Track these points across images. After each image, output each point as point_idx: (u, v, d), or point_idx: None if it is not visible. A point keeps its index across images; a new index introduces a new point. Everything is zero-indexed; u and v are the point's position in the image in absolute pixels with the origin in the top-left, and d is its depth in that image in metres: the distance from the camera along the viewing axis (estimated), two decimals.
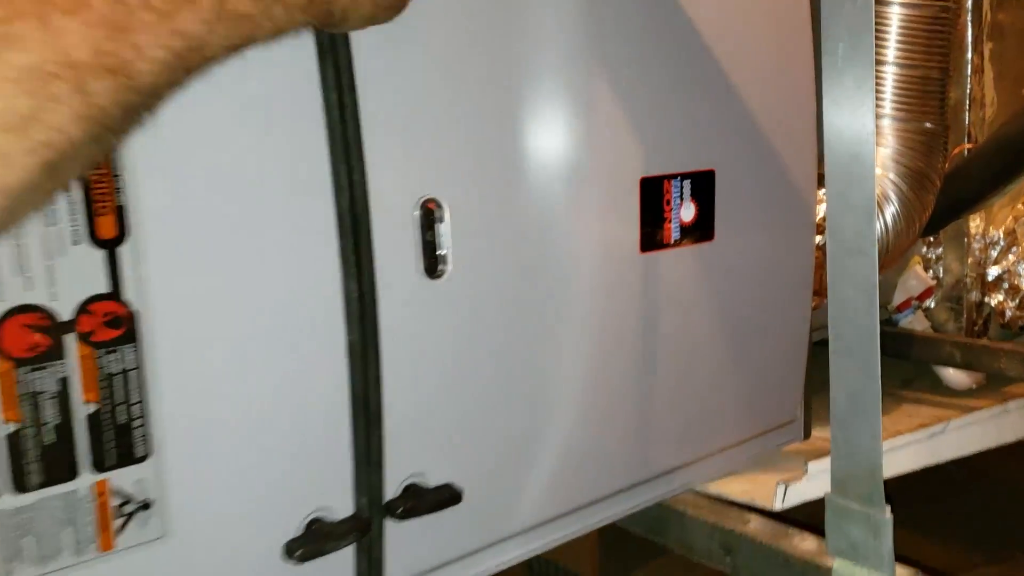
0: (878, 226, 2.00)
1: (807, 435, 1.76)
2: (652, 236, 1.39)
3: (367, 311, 1.12)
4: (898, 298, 2.48)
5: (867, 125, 1.17)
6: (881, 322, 2.47)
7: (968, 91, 2.46)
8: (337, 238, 1.09)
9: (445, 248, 1.19)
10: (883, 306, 2.47)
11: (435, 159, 1.18)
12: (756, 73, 1.50)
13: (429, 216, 1.17)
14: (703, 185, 1.45)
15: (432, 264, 1.18)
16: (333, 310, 1.11)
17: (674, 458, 1.57)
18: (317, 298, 1.10)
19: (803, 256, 1.63)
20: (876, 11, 1.91)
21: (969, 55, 2.45)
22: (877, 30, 1.95)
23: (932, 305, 2.54)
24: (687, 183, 1.42)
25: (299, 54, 1.05)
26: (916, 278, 2.49)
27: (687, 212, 1.43)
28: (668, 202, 1.40)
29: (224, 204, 1.01)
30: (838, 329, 1.27)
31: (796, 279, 1.64)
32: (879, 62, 1.97)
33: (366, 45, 1.08)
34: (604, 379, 1.40)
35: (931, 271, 2.55)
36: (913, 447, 1.80)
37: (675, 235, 1.42)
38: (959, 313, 2.54)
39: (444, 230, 1.19)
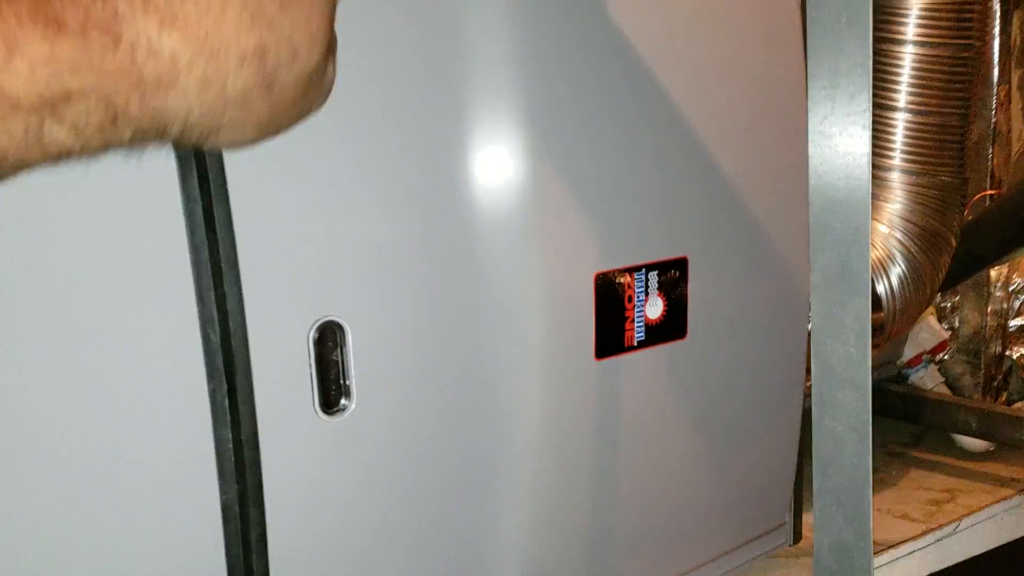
0: (882, 288, 1.79)
1: (797, 539, 1.55)
2: (610, 340, 1.19)
3: (246, 463, 0.92)
4: (908, 353, 2.27)
5: (861, 167, 0.97)
6: (890, 379, 2.29)
7: (992, 126, 2.24)
8: (224, 402, 0.90)
9: (349, 378, 0.99)
10: (892, 361, 2.26)
11: (332, 271, 0.97)
12: (739, 136, 1.29)
13: (327, 341, 0.97)
14: (674, 275, 1.24)
15: (331, 398, 0.98)
16: (204, 464, 0.91)
17: None
18: (182, 452, 0.90)
19: (793, 346, 1.42)
20: (887, 51, 1.70)
21: (995, 87, 2.23)
22: (888, 72, 1.74)
23: (947, 357, 2.33)
24: (653, 275, 1.22)
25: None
26: (929, 330, 2.28)
27: (654, 309, 1.23)
28: (630, 299, 1.20)
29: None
30: (824, 471, 1.07)
31: (785, 373, 1.43)
32: (889, 107, 1.76)
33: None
34: (556, 512, 1.20)
35: (946, 322, 2.34)
36: (919, 554, 1.59)
37: (639, 336, 1.22)
38: (976, 367, 2.33)
39: (347, 356, 0.98)
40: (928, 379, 2.28)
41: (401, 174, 1.01)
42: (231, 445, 0.92)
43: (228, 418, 0.91)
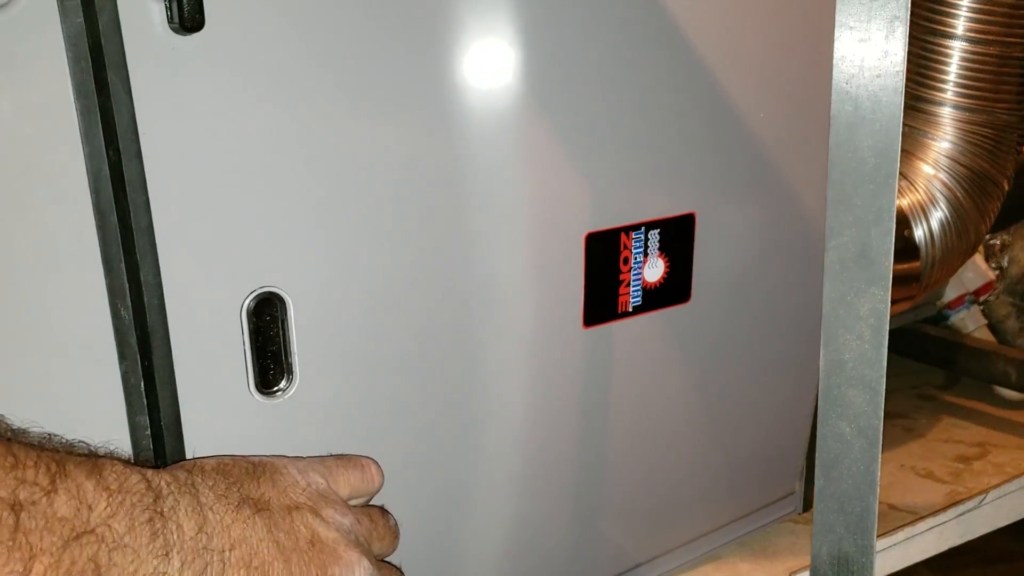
0: (921, 233, 1.65)
1: (807, 507, 1.45)
2: (601, 306, 1.06)
3: (167, 452, 0.82)
4: (950, 293, 2.12)
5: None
6: (927, 319, 2.15)
7: None
8: (120, 372, 0.79)
9: (291, 355, 0.88)
10: (931, 301, 2.12)
11: (271, 234, 0.85)
12: (754, 75, 1.14)
13: (264, 314, 0.86)
14: (678, 233, 1.11)
15: (269, 377, 0.87)
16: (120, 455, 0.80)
17: (645, 550, 1.27)
18: (95, 440, 0.80)
19: (810, 310, 1.29)
20: None
21: None
22: None
23: (992, 299, 2.18)
24: (655, 234, 1.09)
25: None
26: (974, 270, 2.12)
27: (653, 271, 1.10)
28: (626, 260, 1.07)
29: None
30: (826, 473, 0.96)
31: (800, 337, 1.30)
32: (944, 35, 1.59)
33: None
34: (541, 493, 1.10)
35: (993, 261, 2.18)
36: (937, 530, 1.48)
37: (635, 301, 1.09)
38: (1022, 310, 2.18)
39: (288, 331, 0.87)
40: (969, 321, 2.14)
41: (356, 112, 0.88)
42: (148, 432, 0.81)
43: (144, 402, 0.80)
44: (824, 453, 0.93)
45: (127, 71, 0.73)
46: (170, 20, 0.75)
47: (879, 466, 0.90)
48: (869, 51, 0.82)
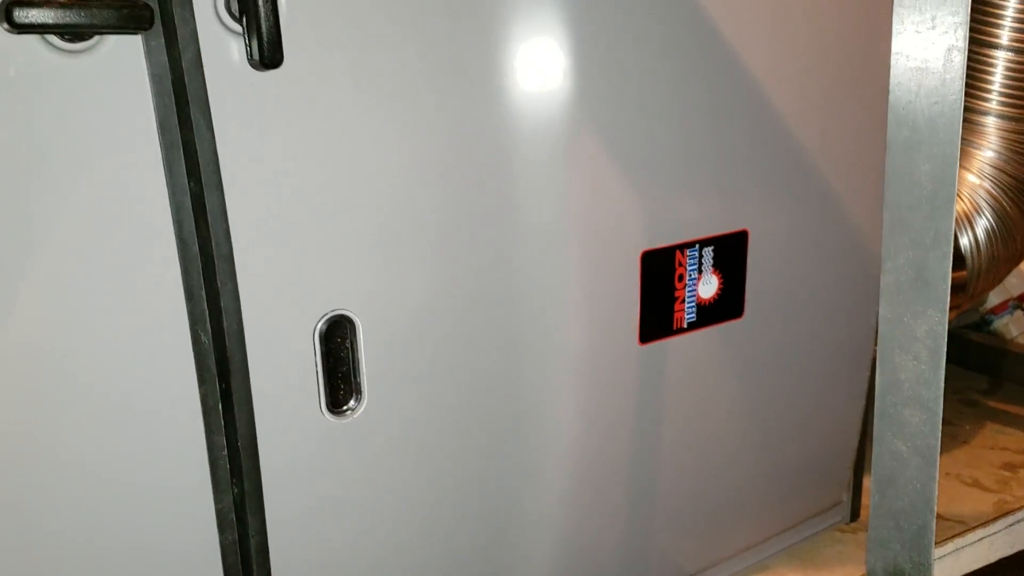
0: (966, 242, 1.65)
1: (854, 517, 1.46)
2: (656, 323, 1.08)
3: (243, 470, 0.84)
4: (994, 298, 2.13)
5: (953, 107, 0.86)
6: (970, 325, 2.16)
7: None
8: (199, 395, 0.82)
9: (359, 376, 0.90)
10: (975, 307, 2.12)
11: (343, 260, 0.88)
12: (807, 96, 1.15)
13: (335, 336, 0.88)
14: (732, 250, 1.13)
15: (339, 397, 0.90)
16: (196, 472, 0.83)
17: (696, 561, 1.29)
18: (175, 459, 0.83)
19: (860, 324, 1.31)
20: None
21: None
22: (988, 5, 1.58)
23: None
24: (708, 251, 1.10)
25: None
26: (1017, 275, 2.13)
27: (707, 287, 1.12)
28: (681, 278, 1.09)
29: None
30: (882, 490, 0.98)
31: (849, 351, 1.32)
32: (989, 45, 1.60)
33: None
34: (597, 497, 1.12)
35: None
36: (987, 541, 1.48)
37: (690, 317, 1.11)
38: None
39: (358, 352, 0.90)
40: (1013, 326, 2.14)
41: (422, 147, 0.90)
42: (225, 452, 0.84)
43: (222, 423, 0.83)
44: (880, 470, 0.94)
45: (209, 107, 0.76)
46: (250, 57, 0.77)
47: (936, 485, 0.92)
48: (927, 78, 0.83)
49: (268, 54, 0.76)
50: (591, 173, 0.99)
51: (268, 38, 0.75)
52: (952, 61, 0.82)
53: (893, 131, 0.85)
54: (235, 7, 0.77)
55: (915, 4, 0.83)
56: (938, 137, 0.83)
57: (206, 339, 0.81)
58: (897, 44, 0.84)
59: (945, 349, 0.88)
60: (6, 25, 0.69)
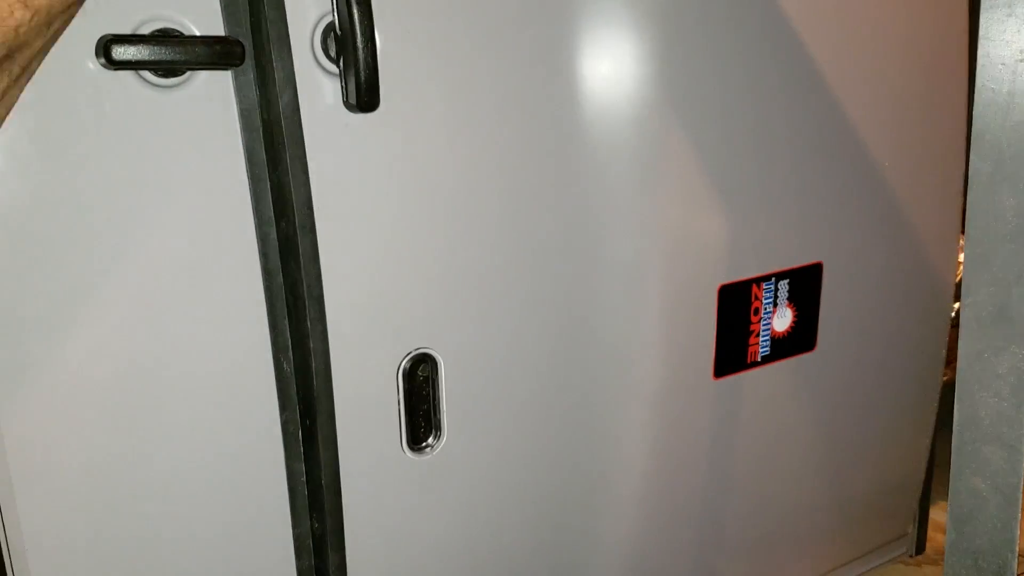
0: None
1: (920, 550, 1.45)
2: (731, 357, 1.08)
3: (324, 498, 0.85)
4: None
5: None
6: None
7: None
8: (280, 421, 0.82)
9: (440, 413, 0.90)
10: None
11: (426, 299, 0.88)
12: (881, 128, 1.14)
13: (417, 374, 0.88)
14: (806, 283, 1.12)
15: (420, 433, 0.90)
16: (278, 502, 0.84)
17: None
18: (262, 487, 0.83)
19: (929, 356, 1.30)
20: None
21: None
22: None
23: None
24: (784, 284, 1.10)
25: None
26: None
27: (781, 320, 1.11)
28: (756, 311, 1.08)
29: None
30: (959, 528, 0.96)
31: (918, 380, 1.31)
32: None
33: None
34: (666, 530, 1.12)
35: None
36: None
37: (764, 351, 1.11)
38: None
39: (439, 390, 0.90)
40: None
41: (508, 188, 0.90)
42: (303, 479, 0.85)
43: (301, 450, 0.83)
44: (957, 508, 0.92)
45: (304, 149, 0.76)
46: (345, 100, 0.78)
47: (1018, 524, 0.90)
48: (1012, 112, 0.82)
49: (365, 98, 0.76)
50: (672, 207, 0.99)
51: (366, 82, 0.76)
52: None
53: (976, 164, 0.83)
54: (332, 49, 0.78)
55: (1001, 37, 0.83)
56: (1023, 171, 0.82)
57: (287, 367, 0.82)
58: (982, 76, 0.83)
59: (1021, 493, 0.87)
60: (103, 60, 0.70)
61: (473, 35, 0.86)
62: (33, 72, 0.66)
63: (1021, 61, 0.82)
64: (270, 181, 0.78)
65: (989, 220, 0.85)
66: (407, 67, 0.81)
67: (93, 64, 0.70)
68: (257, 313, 0.81)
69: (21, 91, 0.66)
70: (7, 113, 0.64)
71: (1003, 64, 0.83)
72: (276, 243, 0.79)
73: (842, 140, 1.11)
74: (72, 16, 0.67)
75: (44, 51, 0.65)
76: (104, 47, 0.69)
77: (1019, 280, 0.85)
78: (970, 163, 0.84)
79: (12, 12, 0.58)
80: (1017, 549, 0.92)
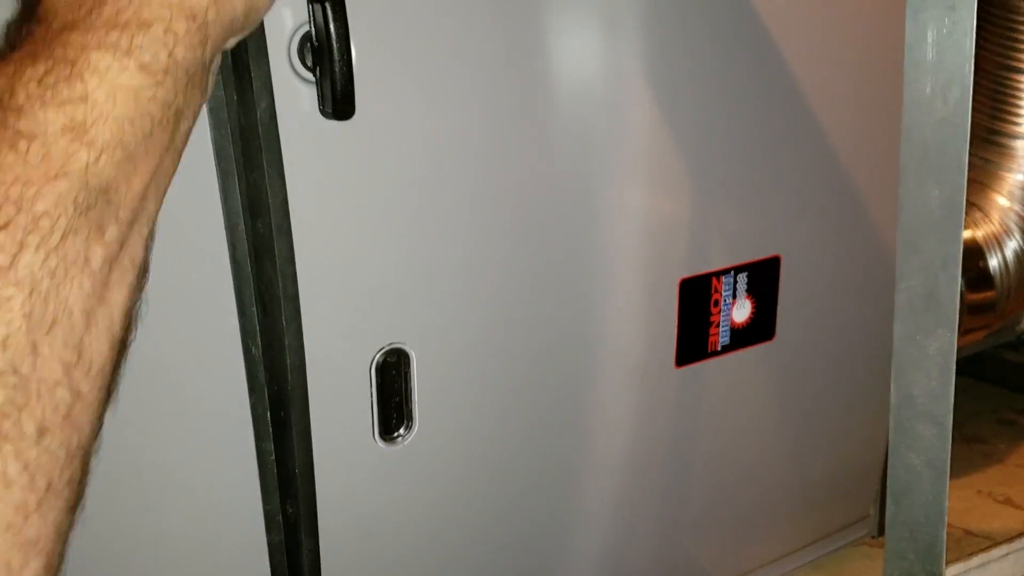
0: (995, 263, 1.69)
1: (882, 531, 1.50)
2: (692, 347, 1.13)
3: (301, 494, 0.90)
4: None
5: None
6: (1007, 344, 2.18)
7: None
8: (265, 414, 0.88)
9: (411, 404, 0.96)
10: (1011, 327, 2.15)
11: (400, 295, 0.94)
12: (842, 119, 1.20)
13: (391, 367, 0.94)
14: (765, 276, 1.17)
15: (391, 424, 0.95)
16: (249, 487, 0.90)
17: (721, 570, 1.34)
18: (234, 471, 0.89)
19: (884, 339, 1.35)
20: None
21: None
22: (1014, 32, 1.62)
23: None
24: (743, 277, 1.15)
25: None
26: None
27: (741, 311, 1.16)
28: (716, 303, 1.14)
29: None
30: (898, 502, 1.01)
31: (875, 365, 1.36)
32: (1018, 70, 1.64)
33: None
34: (632, 512, 1.18)
35: None
36: (1013, 556, 1.52)
37: (724, 340, 1.16)
38: None
39: (411, 382, 0.96)
40: None
41: (479, 191, 0.96)
42: (273, 457, 0.90)
43: (271, 432, 0.89)
44: (895, 483, 0.98)
45: (281, 156, 0.80)
46: (321, 107, 0.83)
47: (947, 497, 0.95)
48: (935, 107, 0.87)
49: (341, 106, 0.80)
50: (636, 203, 1.05)
51: (342, 91, 0.79)
52: (954, 93, 0.86)
53: (905, 157, 0.89)
54: (309, 58, 0.83)
55: (923, 40, 0.88)
56: (947, 164, 0.87)
57: (256, 352, 0.87)
58: (908, 76, 0.88)
59: (955, 366, 0.91)
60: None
61: (441, 40, 0.91)
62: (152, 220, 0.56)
63: (939, 63, 0.88)
64: (248, 183, 0.81)
65: (918, 210, 0.90)
66: (381, 72, 0.85)
67: None
68: (227, 305, 0.86)
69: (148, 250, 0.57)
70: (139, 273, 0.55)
71: (924, 64, 0.88)
72: (245, 239, 0.84)
73: (800, 136, 1.17)
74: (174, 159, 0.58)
75: (156, 196, 0.56)
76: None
77: (945, 266, 0.90)
78: (900, 157, 0.89)
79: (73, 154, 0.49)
80: (946, 521, 0.97)
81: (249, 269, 0.85)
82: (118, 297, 0.52)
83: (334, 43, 0.79)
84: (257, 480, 0.90)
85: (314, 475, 0.90)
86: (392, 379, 0.94)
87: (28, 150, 0.48)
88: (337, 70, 0.80)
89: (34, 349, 0.47)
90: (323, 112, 0.83)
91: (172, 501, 0.89)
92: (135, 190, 0.52)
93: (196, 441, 0.88)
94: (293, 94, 0.83)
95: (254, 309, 0.86)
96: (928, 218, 0.90)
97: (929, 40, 0.89)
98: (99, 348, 0.50)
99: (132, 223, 0.53)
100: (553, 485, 1.09)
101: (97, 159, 0.50)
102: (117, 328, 0.52)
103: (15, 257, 0.46)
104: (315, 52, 0.82)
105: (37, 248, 0.47)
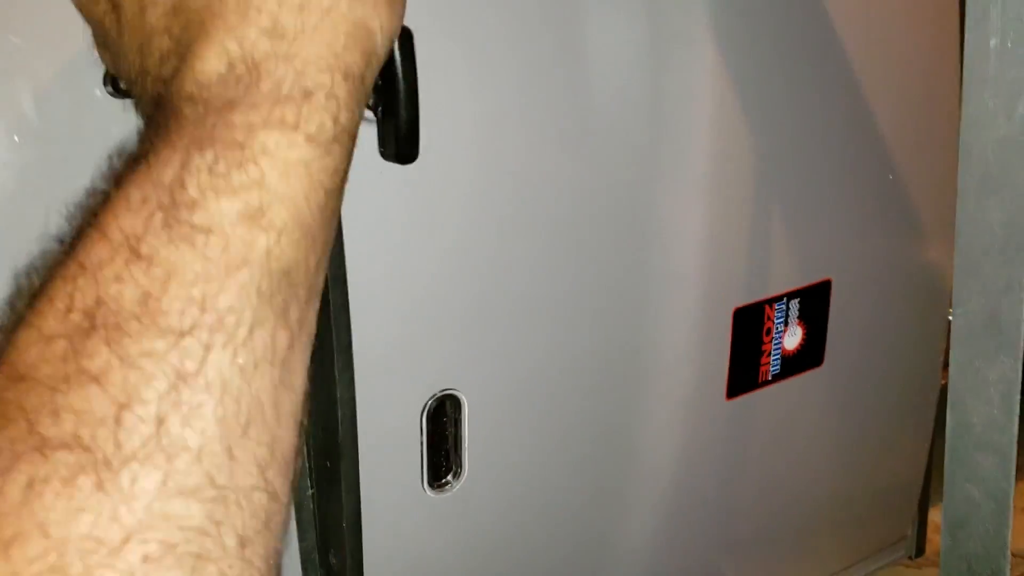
0: None
1: (919, 553, 1.49)
2: (743, 378, 1.10)
3: (348, 546, 0.87)
4: None
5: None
6: None
7: None
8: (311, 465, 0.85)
9: (461, 451, 0.93)
10: None
11: (452, 341, 0.90)
12: (889, 142, 1.16)
13: (443, 414, 0.91)
14: (816, 301, 1.14)
15: (440, 471, 0.93)
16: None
17: None
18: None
19: (927, 362, 1.34)
20: None
21: None
22: None
23: None
24: (795, 303, 1.12)
25: None
26: None
27: (792, 339, 1.13)
28: (768, 331, 1.11)
29: None
30: (953, 534, 0.97)
31: (917, 385, 1.34)
32: None
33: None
34: (680, 548, 1.15)
35: None
36: None
37: (774, 370, 1.13)
38: None
39: (461, 429, 0.92)
40: None
41: (525, 225, 0.92)
42: (309, 493, 0.86)
43: (334, 497, 0.85)
44: (951, 513, 0.94)
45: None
46: (382, 149, 0.79)
47: (1010, 530, 0.92)
48: (998, 124, 0.83)
49: (405, 149, 0.76)
50: (696, 230, 1.02)
51: (407, 134, 0.77)
52: (1018, 109, 0.83)
53: (964, 177, 0.86)
54: (371, 98, 0.80)
55: (984, 55, 0.85)
56: (1010, 184, 0.83)
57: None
58: (967, 93, 0.83)
59: (1018, 395, 0.87)
60: (110, 89, 0.68)
61: (499, 70, 0.87)
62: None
63: (1004, 80, 0.85)
64: None
65: (978, 232, 0.86)
66: (440, 114, 0.80)
67: (100, 92, 0.69)
68: None
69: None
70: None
71: (986, 77, 0.85)
72: None
73: (852, 154, 1.14)
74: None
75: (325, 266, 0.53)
76: (111, 78, 0.70)
77: (1007, 291, 0.87)
78: (959, 178, 0.85)
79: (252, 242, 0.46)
80: (1009, 553, 0.94)
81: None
82: (299, 380, 0.49)
83: (400, 83, 0.75)
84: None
85: (361, 527, 0.86)
86: (442, 425, 0.90)
87: (207, 244, 0.46)
88: (403, 112, 0.76)
89: (230, 455, 0.44)
90: (383, 154, 0.79)
91: None
92: (312, 266, 0.50)
93: None
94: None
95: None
96: (989, 240, 0.85)
97: (991, 52, 0.84)
98: (290, 440, 0.47)
99: (309, 300, 0.50)
100: (602, 526, 1.06)
101: (278, 242, 0.47)
102: (299, 413, 0.49)
103: (203, 361, 0.44)
104: (377, 91, 0.78)
105: (224, 346, 0.44)
